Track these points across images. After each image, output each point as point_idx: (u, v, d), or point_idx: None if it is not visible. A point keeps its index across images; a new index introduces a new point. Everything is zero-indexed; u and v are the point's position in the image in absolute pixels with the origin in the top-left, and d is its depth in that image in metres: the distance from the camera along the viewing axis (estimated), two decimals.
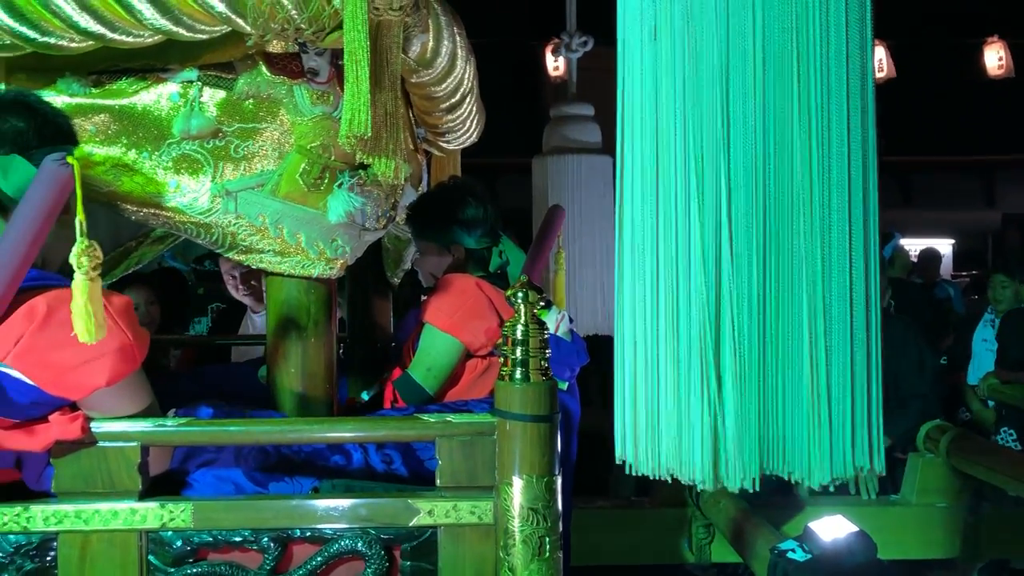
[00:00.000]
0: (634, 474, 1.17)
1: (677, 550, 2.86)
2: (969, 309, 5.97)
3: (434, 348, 2.02)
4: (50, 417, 1.39)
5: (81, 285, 1.29)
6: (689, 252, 1.06)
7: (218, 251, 1.73)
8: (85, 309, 1.29)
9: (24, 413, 1.38)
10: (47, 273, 1.42)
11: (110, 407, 1.43)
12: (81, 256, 1.29)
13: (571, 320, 2.19)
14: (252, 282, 3.39)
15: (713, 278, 1.05)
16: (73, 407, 1.42)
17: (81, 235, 1.30)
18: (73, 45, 1.54)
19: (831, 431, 1.04)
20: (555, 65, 7.45)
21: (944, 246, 9.52)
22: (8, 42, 1.52)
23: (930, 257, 7.04)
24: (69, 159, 1.38)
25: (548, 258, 2.35)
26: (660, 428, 1.16)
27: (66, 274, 1.33)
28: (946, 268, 8.77)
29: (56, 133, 1.48)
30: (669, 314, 1.08)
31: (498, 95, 2.19)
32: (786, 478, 1.07)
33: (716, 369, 1.05)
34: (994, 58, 7.84)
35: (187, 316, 4.12)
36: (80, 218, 1.31)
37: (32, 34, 1.50)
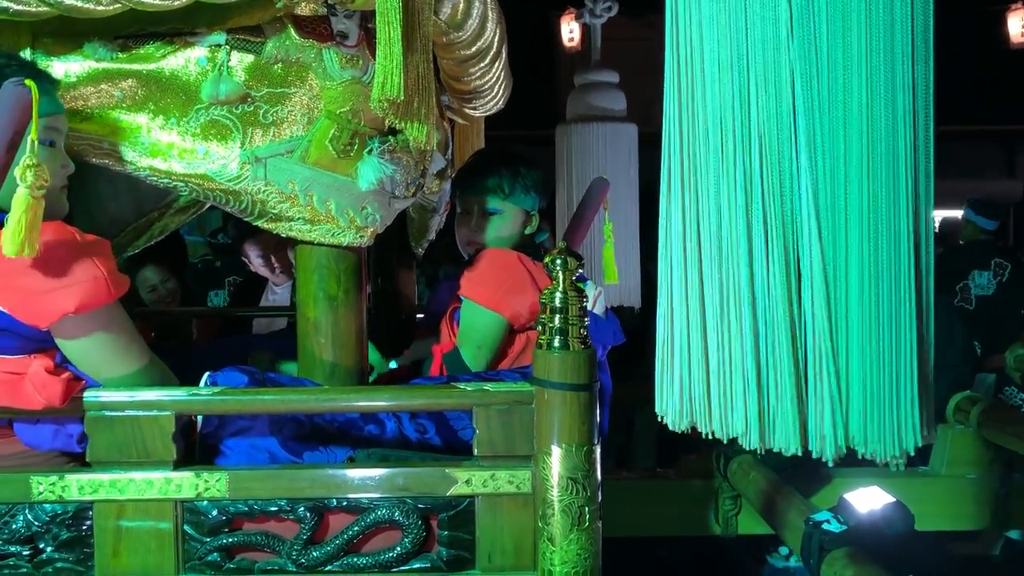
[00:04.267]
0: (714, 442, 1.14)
1: (704, 521, 2.84)
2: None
3: (480, 324, 1.97)
4: (29, 373, 1.39)
5: (22, 197, 1.31)
6: (766, 229, 1.03)
7: (247, 219, 1.70)
8: (18, 221, 1.29)
9: (4, 343, 1.38)
10: None
11: (93, 355, 1.42)
12: (26, 170, 1.32)
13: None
14: (274, 261, 3.39)
15: (793, 255, 1.03)
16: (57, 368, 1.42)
17: (30, 152, 1.33)
18: (100, 8, 1.50)
19: (899, 403, 1.02)
20: (570, 35, 7.36)
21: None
22: (34, 6, 1.48)
23: (953, 228, 6.96)
24: (27, 81, 1.38)
25: (588, 229, 2.29)
26: (732, 398, 1.13)
27: None
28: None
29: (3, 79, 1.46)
30: (740, 291, 1.05)
31: (512, 66, 2.14)
32: (859, 452, 1.04)
33: (794, 343, 1.02)
34: (1017, 25, 7.68)
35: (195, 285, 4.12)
36: (33, 137, 1.34)
37: None
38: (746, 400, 1.05)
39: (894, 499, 1.97)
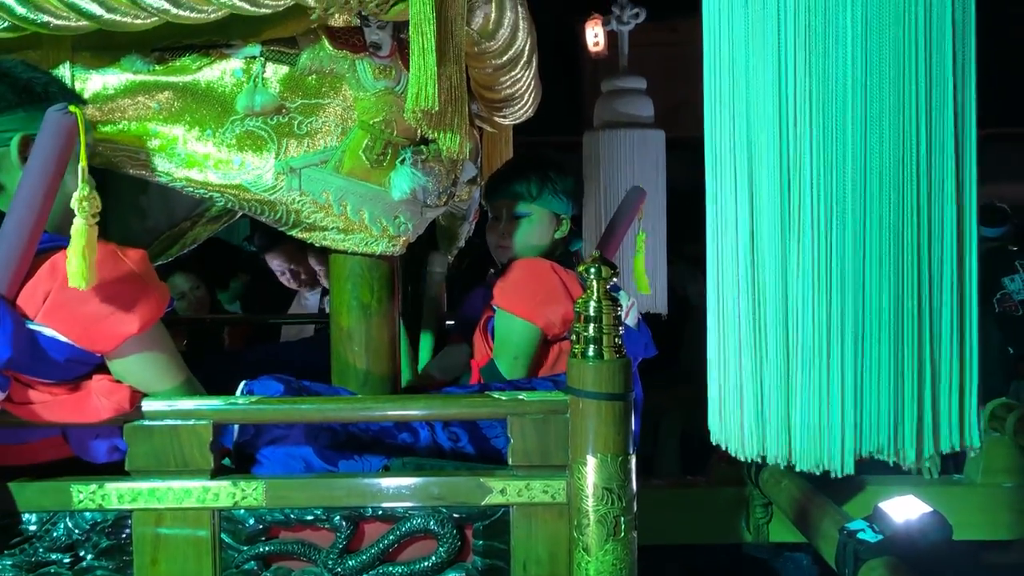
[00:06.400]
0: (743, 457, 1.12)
1: (735, 530, 2.82)
2: None
3: (515, 335, 1.97)
4: (92, 386, 1.41)
5: (80, 228, 1.32)
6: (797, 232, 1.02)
7: (281, 228, 1.72)
8: (81, 252, 1.31)
9: (63, 372, 1.40)
10: (60, 236, 1.42)
11: (143, 372, 1.44)
12: (83, 201, 1.32)
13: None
14: (302, 275, 3.40)
15: (823, 257, 1.01)
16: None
17: (83, 182, 1.33)
18: (138, 22, 1.52)
19: (936, 408, 1.01)
20: (595, 41, 7.34)
21: None
22: (74, 20, 1.51)
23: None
24: (72, 108, 1.39)
25: (622, 239, 2.28)
26: (743, 408, 1.12)
27: None
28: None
29: (32, 96, 1.48)
30: (776, 299, 1.04)
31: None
32: (887, 459, 1.03)
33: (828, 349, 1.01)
34: None
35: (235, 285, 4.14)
36: (83, 164, 1.34)
37: (98, 11, 1.49)
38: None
39: (931, 509, 1.95)
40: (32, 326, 1.36)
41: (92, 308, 1.37)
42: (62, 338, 1.37)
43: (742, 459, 1.10)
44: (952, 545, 1.92)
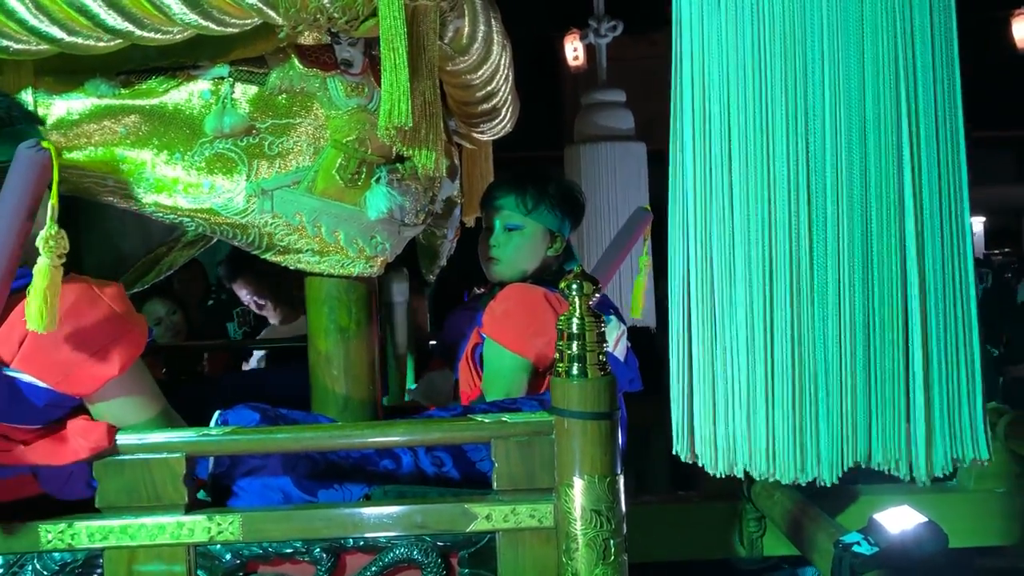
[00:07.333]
0: (714, 471, 1.09)
1: (728, 544, 2.78)
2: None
3: (505, 368, 1.88)
4: (68, 426, 1.36)
5: (44, 269, 1.26)
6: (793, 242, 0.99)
7: (254, 252, 1.67)
8: (42, 294, 1.25)
9: (43, 416, 1.35)
10: None
11: (121, 410, 1.40)
12: (49, 240, 1.26)
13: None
14: (262, 302, 3.30)
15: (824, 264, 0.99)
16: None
17: (51, 221, 1.28)
18: (101, 44, 1.48)
19: (932, 420, 0.98)
20: (575, 55, 7.35)
21: (975, 224, 9.33)
22: (35, 44, 1.47)
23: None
24: (44, 144, 1.34)
25: (622, 262, 2.22)
26: (732, 420, 1.09)
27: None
28: (978, 246, 8.58)
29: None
30: (758, 310, 1.01)
31: (516, 88, 2.11)
32: (886, 471, 1.00)
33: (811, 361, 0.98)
34: (1023, 30, 7.65)
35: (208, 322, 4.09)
36: (53, 203, 1.29)
37: (59, 34, 1.45)
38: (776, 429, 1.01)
39: (926, 519, 1.92)
40: (8, 372, 1.31)
41: (70, 352, 1.32)
42: (40, 383, 1.32)
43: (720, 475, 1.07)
44: (948, 555, 1.89)
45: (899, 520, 1.91)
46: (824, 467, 1.02)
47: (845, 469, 1.04)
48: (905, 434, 0.99)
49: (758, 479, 1.08)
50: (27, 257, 1.34)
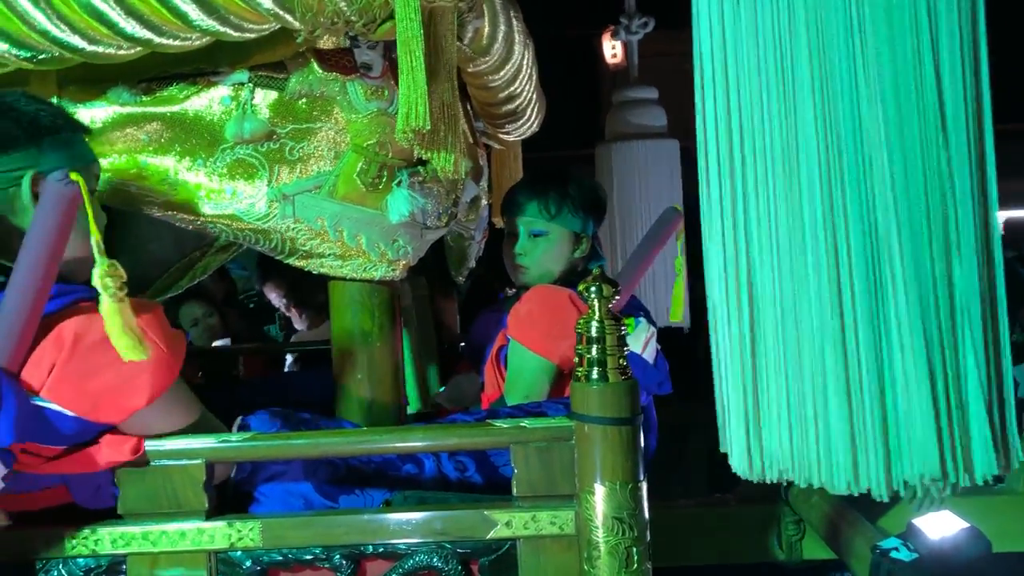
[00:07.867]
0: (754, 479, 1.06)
1: (766, 548, 2.73)
2: None
3: (528, 370, 1.85)
4: (101, 440, 1.35)
5: (110, 308, 1.23)
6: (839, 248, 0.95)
7: (277, 257, 1.68)
8: (121, 331, 1.23)
9: (70, 441, 1.33)
10: (71, 286, 1.35)
11: (153, 425, 1.38)
12: (105, 278, 1.23)
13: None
14: (293, 308, 3.31)
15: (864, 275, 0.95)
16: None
17: (100, 255, 1.24)
18: (121, 52, 1.49)
19: (967, 431, 0.93)
20: (613, 52, 7.30)
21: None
22: (58, 54, 1.48)
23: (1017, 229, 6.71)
24: (72, 175, 1.32)
25: (651, 263, 2.14)
26: (770, 427, 1.05)
27: (91, 284, 1.26)
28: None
29: (40, 130, 1.40)
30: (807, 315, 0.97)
31: (554, 88, 2.06)
32: (921, 485, 0.95)
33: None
34: None
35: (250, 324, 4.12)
36: (96, 238, 1.25)
37: (80, 43, 1.46)
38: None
39: (968, 524, 1.85)
40: (37, 401, 1.28)
41: (100, 382, 1.28)
42: (69, 413, 1.29)
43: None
44: (991, 561, 1.83)
45: (940, 525, 1.85)
46: (877, 481, 0.97)
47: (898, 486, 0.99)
48: (964, 444, 0.94)
49: (803, 486, 1.04)
50: (63, 274, 1.33)
